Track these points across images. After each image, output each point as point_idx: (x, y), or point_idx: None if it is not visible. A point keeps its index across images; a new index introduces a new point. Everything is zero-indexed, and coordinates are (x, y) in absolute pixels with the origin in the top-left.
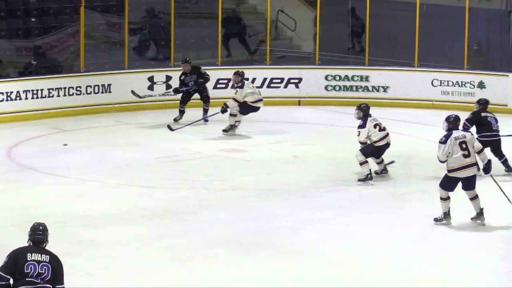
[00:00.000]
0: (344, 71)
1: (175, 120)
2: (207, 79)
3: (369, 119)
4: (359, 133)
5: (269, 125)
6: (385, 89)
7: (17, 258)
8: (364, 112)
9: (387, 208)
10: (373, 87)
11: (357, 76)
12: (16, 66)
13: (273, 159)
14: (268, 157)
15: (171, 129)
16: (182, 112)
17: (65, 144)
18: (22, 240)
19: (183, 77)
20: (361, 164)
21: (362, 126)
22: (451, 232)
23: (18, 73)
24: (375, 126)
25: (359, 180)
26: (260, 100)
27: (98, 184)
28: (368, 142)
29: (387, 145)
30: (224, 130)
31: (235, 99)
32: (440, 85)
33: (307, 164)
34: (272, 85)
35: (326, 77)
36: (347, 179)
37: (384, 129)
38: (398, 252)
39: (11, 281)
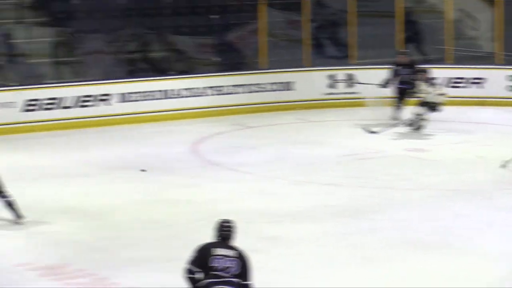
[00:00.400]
0: None
1: (394, 118)
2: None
3: None
4: None
5: (452, 125)
6: None
7: (204, 252)
8: None
9: None
10: None
11: None
12: (199, 63)
13: (457, 159)
14: (452, 157)
15: (370, 131)
16: (398, 109)
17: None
18: (209, 235)
19: (397, 68)
20: None
21: None
22: None
23: (201, 70)
24: None
25: None
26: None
27: (282, 181)
28: None
29: None
30: (413, 128)
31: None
32: None
33: (491, 165)
34: (454, 84)
35: (510, 77)
36: None
37: None
38: None
39: (198, 275)
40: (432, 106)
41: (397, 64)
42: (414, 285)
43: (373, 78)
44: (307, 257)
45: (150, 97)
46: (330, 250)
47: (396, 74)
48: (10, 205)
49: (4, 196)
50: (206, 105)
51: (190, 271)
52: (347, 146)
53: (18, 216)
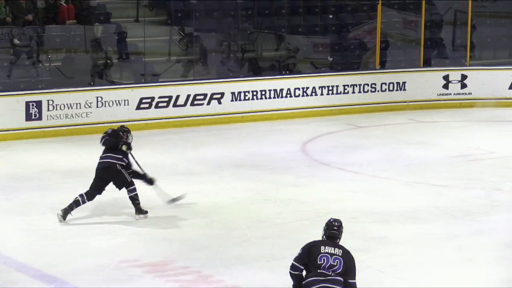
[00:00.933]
0: None
1: None
2: None
3: None
4: None
5: None
6: None
7: (310, 250)
8: None
9: None
10: None
11: None
12: (313, 62)
13: None
14: None
15: None
16: None
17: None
18: (315, 235)
19: None
20: None
21: None
22: None
23: (314, 69)
24: None
25: None
26: None
27: (390, 181)
28: None
29: None
30: None
31: None
32: None
33: None
34: None
35: None
36: None
37: None
38: None
39: (303, 272)
40: None
41: None
42: None
43: (488, 79)
44: (413, 258)
45: (263, 96)
46: (435, 250)
47: None
48: (134, 200)
49: (130, 191)
50: (318, 104)
51: (295, 268)
52: (457, 147)
53: (140, 211)
